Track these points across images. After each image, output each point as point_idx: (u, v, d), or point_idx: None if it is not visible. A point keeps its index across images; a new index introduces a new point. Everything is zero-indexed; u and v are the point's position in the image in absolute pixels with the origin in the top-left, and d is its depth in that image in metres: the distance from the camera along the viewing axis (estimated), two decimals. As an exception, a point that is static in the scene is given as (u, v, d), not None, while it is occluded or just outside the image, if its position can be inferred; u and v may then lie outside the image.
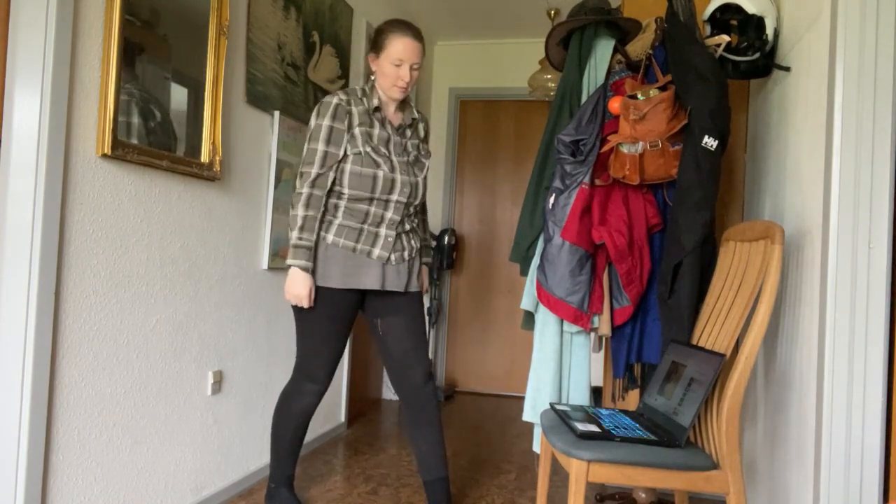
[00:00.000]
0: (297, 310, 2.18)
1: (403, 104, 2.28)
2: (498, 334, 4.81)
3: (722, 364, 1.71)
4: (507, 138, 4.87)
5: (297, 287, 2.09)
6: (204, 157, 2.23)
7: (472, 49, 4.89)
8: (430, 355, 4.71)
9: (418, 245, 2.31)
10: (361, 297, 2.24)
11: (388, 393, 4.39)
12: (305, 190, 2.09)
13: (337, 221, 2.15)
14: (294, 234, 2.08)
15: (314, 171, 2.09)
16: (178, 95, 2.11)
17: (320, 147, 2.09)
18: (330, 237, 2.14)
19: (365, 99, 2.17)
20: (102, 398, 1.90)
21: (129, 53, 1.89)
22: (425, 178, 2.28)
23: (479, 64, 4.87)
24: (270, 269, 2.72)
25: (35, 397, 1.67)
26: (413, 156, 2.26)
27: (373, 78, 2.21)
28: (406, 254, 2.24)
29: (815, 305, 1.72)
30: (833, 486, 1.61)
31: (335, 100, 2.12)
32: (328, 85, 3.20)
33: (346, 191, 2.14)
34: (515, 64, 4.72)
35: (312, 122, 2.12)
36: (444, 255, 4.54)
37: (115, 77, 1.82)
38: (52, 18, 1.65)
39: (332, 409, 3.40)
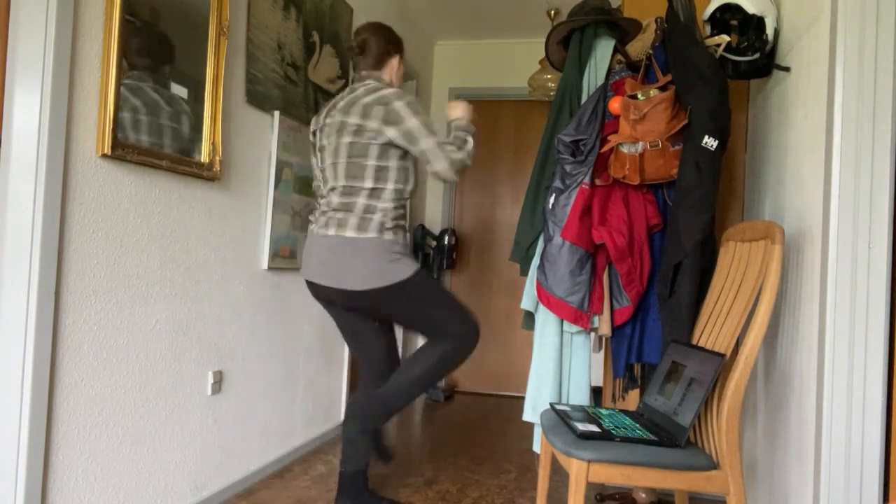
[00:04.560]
0: (421, 286, 2.12)
1: None
2: (498, 334, 4.81)
3: (722, 364, 1.71)
4: (507, 138, 4.87)
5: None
6: (204, 157, 2.23)
7: (472, 49, 4.89)
8: (430, 355, 4.72)
9: None
10: None
11: (388, 393, 4.38)
12: (457, 150, 2.10)
13: (391, 223, 2.11)
14: (461, 152, 2.10)
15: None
16: (179, 95, 2.11)
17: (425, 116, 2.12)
18: (389, 235, 2.10)
19: None
20: (102, 398, 1.90)
21: (129, 53, 1.89)
22: None
23: (479, 64, 4.87)
24: (270, 269, 2.72)
25: (35, 397, 1.67)
26: None
27: (387, 79, 2.25)
28: None
29: (815, 305, 1.72)
30: (833, 486, 1.61)
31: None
32: (328, 85, 3.20)
33: (390, 186, 2.10)
34: (515, 64, 4.72)
35: (398, 102, 2.06)
36: (444, 255, 4.54)
37: (115, 77, 1.82)
38: (52, 18, 1.65)
39: (332, 409, 3.40)
